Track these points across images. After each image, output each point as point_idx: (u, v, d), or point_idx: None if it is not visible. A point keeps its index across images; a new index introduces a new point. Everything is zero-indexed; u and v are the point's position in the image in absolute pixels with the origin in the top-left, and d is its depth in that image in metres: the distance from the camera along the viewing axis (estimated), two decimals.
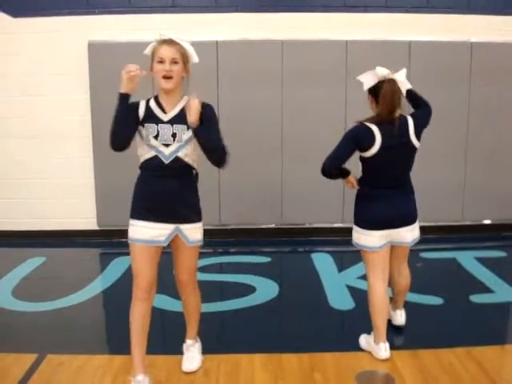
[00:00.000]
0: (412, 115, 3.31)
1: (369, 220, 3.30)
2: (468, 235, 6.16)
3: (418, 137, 3.28)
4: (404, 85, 3.24)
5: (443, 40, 5.86)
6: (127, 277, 4.87)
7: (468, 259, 5.31)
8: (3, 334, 3.80)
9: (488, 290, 4.51)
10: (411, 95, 3.43)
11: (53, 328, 3.91)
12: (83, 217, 6.21)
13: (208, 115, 2.94)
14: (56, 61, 5.91)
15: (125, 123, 2.88)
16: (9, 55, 5.93)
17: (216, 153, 2.97)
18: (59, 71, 5.91)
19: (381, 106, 3.18)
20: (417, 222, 3.41)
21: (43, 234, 6.17)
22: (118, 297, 4.55)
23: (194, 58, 2.98)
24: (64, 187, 6.17)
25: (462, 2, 5.98)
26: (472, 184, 6.17)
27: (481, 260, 5.26)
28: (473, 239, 6.10)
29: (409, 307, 3.75)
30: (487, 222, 6.34)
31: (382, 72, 3.18)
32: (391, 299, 3.65)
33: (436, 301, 4.24)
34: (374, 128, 3.17)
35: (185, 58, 2.92)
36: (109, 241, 6.07)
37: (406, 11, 5.95)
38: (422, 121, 3.34)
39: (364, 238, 3.33)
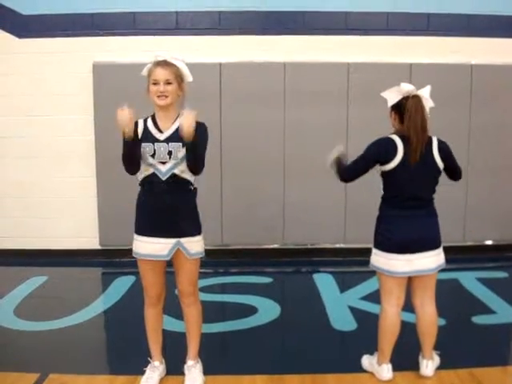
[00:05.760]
0: (439, 141, 3.19)
1: (388, 242, 3.16)
2: (470, 256, 6.14)
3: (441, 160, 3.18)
4: (428, 102, 3.20)
5: (444, 62, 5.92)
6: (129, 297, 4.90)
7: (470, 280, 5.29)
8: (5, 353, 3.80)
9: (490, 311, 4.50)
10: (450, 162, 3.25)
11: (55, 347, 3.90)
12: (85, 236, 6.22)
13: (198, 133, 2.97)
14: (60, 81, 5.97)
15: (134, 157, 2.99)
16: (13, 75, 5.99)
17: (195, 166, 3.03)
18: (64, 92, 5.97)
19: (406, 122, 3.08)
20: (441, 247, 3.26)
21: (45, 253, 6.17)
22: (119, 316, 4.55)
23: (189, 77, 3.11)
24: (66, 206, 6.19)
25: (462, 25, 6.05)
26: (473, 205, 6.18)
27: (483, 281, 5.25)
28: (474, 260, 6.09)
29: (411, 328, 3.73)
30: (489, 242, 6.35)
31: (407, 88, 3.14)
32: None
33: (438, 322, 4.22)
34: (398, 140, 3.11)
35: (179, 77, 3.04)
36: (111, 260, 6.07)
37: (407, 34, 6.02)
38: (445, 154, 3.20)
39: (385, 261, 3.18)
